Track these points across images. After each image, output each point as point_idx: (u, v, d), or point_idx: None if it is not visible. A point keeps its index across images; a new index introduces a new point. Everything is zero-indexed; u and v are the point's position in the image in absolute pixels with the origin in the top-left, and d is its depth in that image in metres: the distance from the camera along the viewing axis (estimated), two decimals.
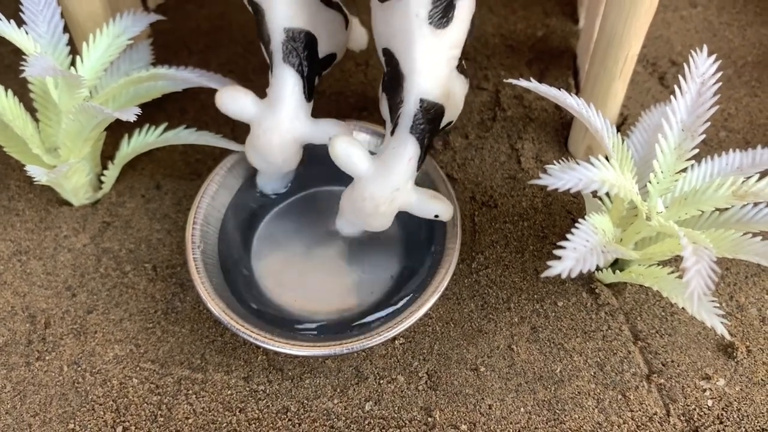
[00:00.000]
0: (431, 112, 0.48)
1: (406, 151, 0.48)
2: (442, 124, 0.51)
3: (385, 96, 0.51)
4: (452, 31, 0.48)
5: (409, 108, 0.48)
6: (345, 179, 0.59)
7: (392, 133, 0.49)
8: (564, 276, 0.40)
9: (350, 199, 0.50)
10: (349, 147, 0.48)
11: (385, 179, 0.48)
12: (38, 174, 0.54)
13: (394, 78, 0.49)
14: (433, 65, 0.48)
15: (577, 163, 0.44)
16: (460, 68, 0.51)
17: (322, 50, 0.53)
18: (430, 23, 0.47)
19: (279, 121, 0.51)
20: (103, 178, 0.60)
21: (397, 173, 0.48)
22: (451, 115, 0.51)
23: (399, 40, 0.48)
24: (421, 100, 0.48)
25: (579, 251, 0.42)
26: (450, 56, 0.49)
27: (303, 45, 0.51)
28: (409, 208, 0.50)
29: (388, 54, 0.50)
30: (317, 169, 0.59)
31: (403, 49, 0.48)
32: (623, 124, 0.65)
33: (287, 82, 0.51)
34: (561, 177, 0.42)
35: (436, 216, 0.51)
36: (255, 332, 0.48)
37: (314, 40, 0.52)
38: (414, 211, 0.51)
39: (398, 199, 0.49)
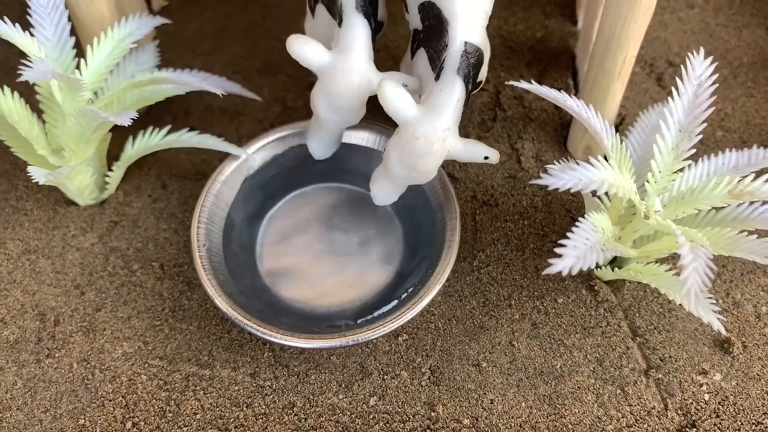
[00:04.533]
0: (474, 56, 0.49)
1: (454, 90, 0.48)
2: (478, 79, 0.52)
3: (425, 50, 0.52)
4: None
5: (455, 50, 0.49)
6: (346, 176, 0.61)
7: (437, 78, 0.49)
8: (564, 273, 0.41)
9: (399, 144, 0.50)
10: (398, 89, 0.48)
11: (437, 118, 0.48)
12: (38, 175, 0.55)
13: (435, 27, 0.50)
14: (473, 12, 0.49)
15: (577, 163, 0.45)
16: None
17: (379, 14, 0.55)
18: None
19: (356, 63, 0.52)
20: (107, 179, 0.61)
21: (447, 113, 0.48)
22: (483, 73, 0.52)
23: None
24: (466, 43, 0.49)
25: (579, 249, 0.43)
26: (485, 9, 0.51)
27: (369, 0, 0.53)
28: (458, 152, 0.50)
29: (428, 6, 0.51)
30: (320, 165, 0.60)
31: None
32: (621, 124, 0.66)
33: (359, 29, 0.52)
34: (561, 177, 0.43)
35: (486, 158, 0.51)
36: (261, 326, 0.49)
37: (376, 1, 0.54)
38: (463, 156, 0.50)
39: (449, 138, 0.49)
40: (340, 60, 0.52)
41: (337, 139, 0.58)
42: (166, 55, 0.66)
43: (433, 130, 0.48)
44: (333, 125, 0.56)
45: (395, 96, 0.48)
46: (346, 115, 0.54)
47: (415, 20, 0.54)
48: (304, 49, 0.52)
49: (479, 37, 0.50)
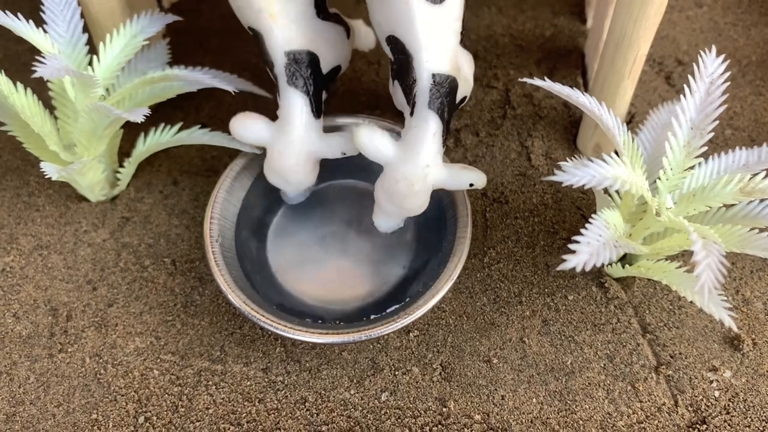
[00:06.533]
0: (445, 86, 0.49)
1: (428, 126, 0.48)
2: (457, 99, 0.51)
3: (398, 83, 0.52)
4: (449, 4, 0.49)
5: (423, 84, 0.48)
6: (355, 173, 0.61)
7: (411, 113, 0.49)
8: (578, 270, 0.42)
9: (383, 186, 0.51)
10: (373, 135, 0.49)
11: (414, 158, 0.49)
12: (51, 171, 0.55)
13: (403, 62, 0.50)
14: (437, 39, 0.49)
15: (590, 160, 0.45)
16: (462, 43, 0.52)
17: (326, 65, 0.54)
18: None
19: (291, 142, 0.53)
20: (119, 175, 0.62)
21: (425, 150, 0.49)
22: (464, 90, 0.52)
23: (400, 22, 0.49)
24: (433, 75, 0.48)
25: (593, 245, 0.43)
26: (452, 29, 0.50)
27: (306, 65, 0.52)
28: (443, 183, 0.51)
29: (393, 40, 0.50)
30: (332, 163, 0.60)
31: (406, 30, 0.49)
32: (631, 122, 0.66)
33: (295, 105, 0.52)
34: (575, 173, 0.44)
35: (471, 185, 0.51)
36: (275, 321, 0.50)
37: (316, 58, 0.53)
38: (448, 185, 0.51)
39: (430, 175, 0.50)
40: (277, 139, 0.53)
41: (307, 192, 0.59)
42: (176, 51, 0.66)
43: (413, 170, 0.49)
44: (291, 190, 0.57)
45: (371, 143, 0.49)
46: (296, 185, 0.56)
47: (387, 50, 0.53)
48: (243, 131, 0.53)
49: (449, 65, 0.49)
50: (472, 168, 0.51)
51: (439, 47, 0.49)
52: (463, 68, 0.51)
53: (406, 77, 0.50)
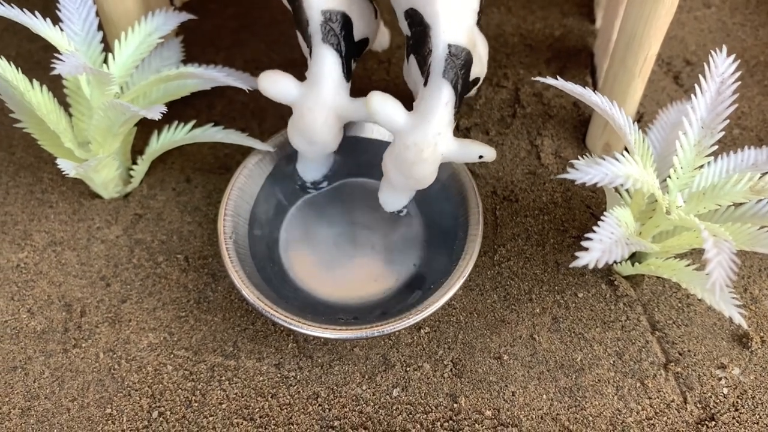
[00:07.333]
0: (461, 57, 0.49)
1: (441, 95, 0.49)
2: (471, 78, 0.51)
3: (413, 58, 0.52)
4: None
5: (439, 54, 0.49)
6: (368, 171, 0.62)
7: (425, 84, 0.50)
8: (591, 267, 0.42)
9: (393, 154, 0.51)
10: (386, 100, 0.49)
11: (426, 125, 0.49)
12: (67, 168, 0.55)
13: (420, 33, 0.50)
14: (455, 12, 0.49)
15: (603, 159, 0.45)
16: (479, 25, 0.52)
17: (357, 33, 0.55)
18: None
19: (322, 98, 0.53)
20: (132, 172, 0.62)
21: (436, 118, 0.49)
22: (478, 70, 0.52)
23: None
24: (449, 45, 0.49)
25: (605, 243, 0.43)
26: (470, 7, 0.50)
27: (340, 25, 0.53)
28: (453, 154, 0.50)
29: (412, 13, 0.51)
30: (342, 160, 0.61)
31: (426, 1, 0.49)
32: (640, 121, 0.66)
33: (327, 61, 0.52)
34: (588, 172, 0.44)
35: (481, 157, 0.51)
36: (288, 317, 0.50)
37: (350, 21, 0.54)
38: (457, 157, 0.51)
39: (440, 144, 0.49)
40: (307, 96, 0.53)
41: (326, 163, 0.59)
42: (188, 49, 0.66)
43: (423, 137, 0.49)
44: (313, 155, 0.57)
45: (383, 108, 0.49)
46: (321, 147, 0.55)
47: (404, 26, 0.54)
48: (272, 87, 0.53)
49: (465, 38, 0.49)
50: (482, 143, 0.51)
51: (456, 20, 0.49)
52: (478, 47, 0.52)
53: (422, 48, 0.50)
